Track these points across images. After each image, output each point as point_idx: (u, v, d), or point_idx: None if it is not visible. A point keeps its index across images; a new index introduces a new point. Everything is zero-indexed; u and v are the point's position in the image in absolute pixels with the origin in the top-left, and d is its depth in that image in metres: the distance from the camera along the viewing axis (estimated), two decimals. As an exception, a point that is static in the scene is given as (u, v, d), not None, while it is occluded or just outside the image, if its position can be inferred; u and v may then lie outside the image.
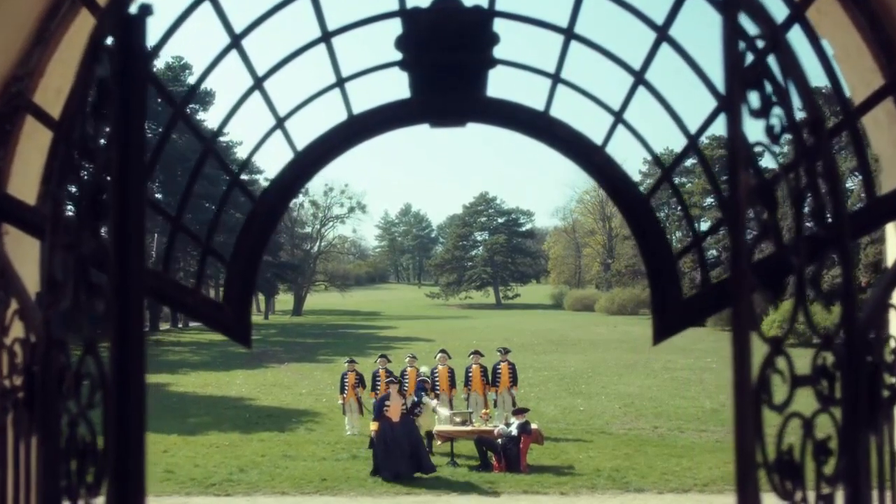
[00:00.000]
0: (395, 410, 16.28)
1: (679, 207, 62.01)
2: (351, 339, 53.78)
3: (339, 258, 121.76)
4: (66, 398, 1.82)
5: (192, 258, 71.08)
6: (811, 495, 1.69)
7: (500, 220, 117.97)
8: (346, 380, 20.69)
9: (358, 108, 2.63)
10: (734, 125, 1.55)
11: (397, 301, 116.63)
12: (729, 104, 1.56)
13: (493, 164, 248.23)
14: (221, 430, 21.08)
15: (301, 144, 2.62)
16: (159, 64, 60.42)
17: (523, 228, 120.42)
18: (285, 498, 14.29)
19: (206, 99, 65.32)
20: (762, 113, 1.65)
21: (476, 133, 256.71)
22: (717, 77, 2.72)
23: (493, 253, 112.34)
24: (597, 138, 2.61)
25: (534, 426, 16.73)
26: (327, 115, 2.73)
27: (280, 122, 2.58)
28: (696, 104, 2.83)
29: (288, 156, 2.62)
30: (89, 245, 1.80)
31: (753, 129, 1.72)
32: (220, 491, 14.77)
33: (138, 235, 1.56)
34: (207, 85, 64.22)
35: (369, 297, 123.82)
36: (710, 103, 2.60)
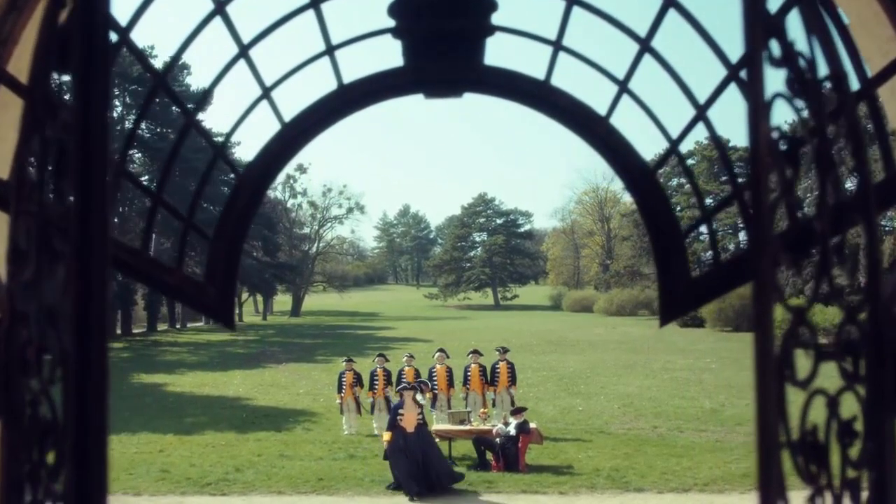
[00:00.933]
0: (409, 420, 14.90)
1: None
2: (349, 339, 53.64)
3: (338, 259, 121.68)
4: (29, 375, 1.69)
5: (190, 253, 71.13)
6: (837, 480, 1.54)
7: (498, 221, 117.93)
8: (344, 379, 20.54)
9: (349, 79, 2.49)
10: (754, 72, 1.41)
11: (396, 302, 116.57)
12: (749, 47, 1.42)
13: (492, 164, 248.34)
14: (218, 429, 20.94)
15: (289, 117, 2.48)
16: (157, 63, 60.29)
17: (522, 229, 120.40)
18: (282, 497, 14.15)
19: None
20: (783, 62, 1.52)
21: (475, 131, 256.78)
22: (727, 45, 2.59)
23: (491, 254, 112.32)
24: (600, 110, 2.47)
25: (532, 426, 16.59)
26: (317, 86, 2.59)
27: (266, 92, 2.44)
28: (705, 77, 2.69)
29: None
30: (53, 209, 1.66)
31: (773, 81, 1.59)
32: (216, 490, 14.63)
33: (100, 194, 1.43)
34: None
35: (368, 297, 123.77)
36: (719, 74, 2.46)
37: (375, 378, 20.33)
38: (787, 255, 1.47)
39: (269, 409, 24.94)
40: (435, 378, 20.01)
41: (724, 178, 64.86)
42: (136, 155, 61.60)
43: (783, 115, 1.87)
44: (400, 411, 15.14)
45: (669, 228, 2.37)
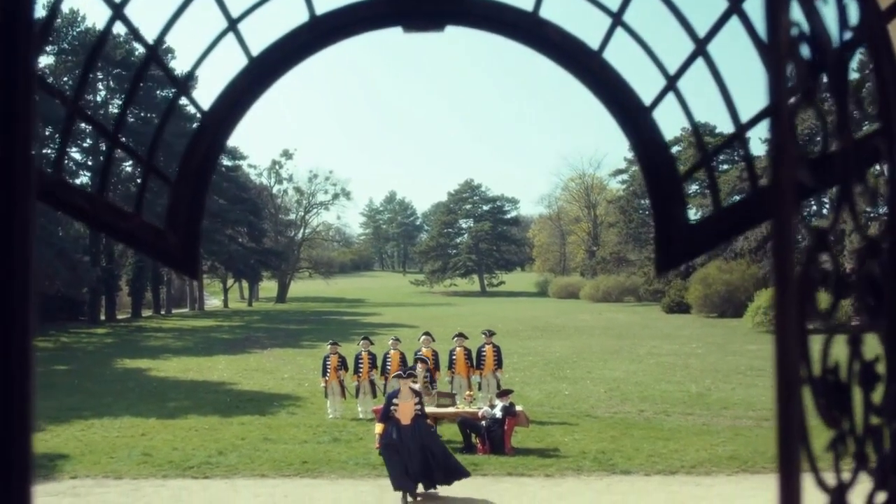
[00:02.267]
0: (405, 411, 13.19)
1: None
2: (335, 325, 53.43)
3: (324, 245, 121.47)
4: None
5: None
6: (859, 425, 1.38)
7: (485, 208, 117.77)
8: (329, 362, 20.35)
9: (322, 10, 2.31)
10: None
11: (382, 288, 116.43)
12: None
13: (479, 151, 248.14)
14: (201, 413, 20.73)
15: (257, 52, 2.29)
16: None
17: (508, 216, 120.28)
18: (265, 480, 13.98)
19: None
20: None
21: (461, 118, 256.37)
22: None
23: (477, 240, 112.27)
24: (593, 45, 2.30)
25: (519, 408, 16.47)
26: (289, 21, 2.40)
27: (233, 24, 2.25)
28: (706, 14, 2.50)
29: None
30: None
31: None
32: (199, 473, 14.45)
33: (25, 113, 1.25)
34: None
35: (354, 284, 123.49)
36: (719, 7, 2.29)
37: (360, 361, 20.16)
38: (807, 173, 1.31)
39: (254, 393, 24.76)
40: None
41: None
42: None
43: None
44: (394, 401, 13.39)
45: (667, 171, 2.21)
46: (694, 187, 70.06)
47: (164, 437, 17.57)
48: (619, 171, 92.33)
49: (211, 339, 46.33)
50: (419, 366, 18.23)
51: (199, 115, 2.28)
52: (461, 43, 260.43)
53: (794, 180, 1.21)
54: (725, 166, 63.48)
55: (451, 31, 2.44)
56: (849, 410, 1.37)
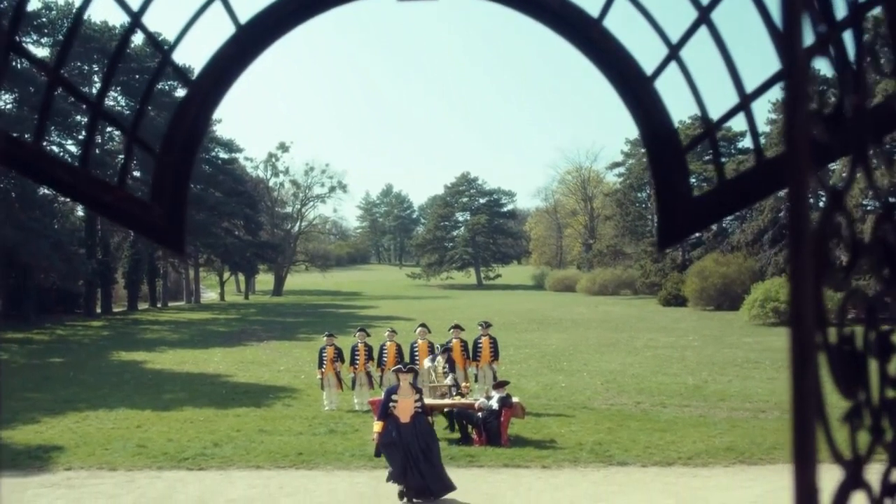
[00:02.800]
0: (404, 408, 12.47)
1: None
2: (331, 318, 53.38)
3: (320, 238, 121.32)
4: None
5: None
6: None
7: (481, 201, 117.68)
8: (325, 354, 20.29)
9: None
10: None
11: (378, 281, 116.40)
12: None
13: (475, 144, 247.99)
14: (197, 405, 20.66)
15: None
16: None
17: (505, 209, 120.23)
18: (260, 472, 13.92)
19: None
20: None
21: (457, 112, 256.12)
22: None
23: (474, 233, 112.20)
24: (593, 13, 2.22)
25: (515, 400, 16.40)
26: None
27: (220, -9, 2.17)
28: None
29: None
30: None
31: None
32: (194, 465, 14.38)
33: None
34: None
35: (350, 277, 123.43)
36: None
37: (356, 353, 20.11)
38: (822, 126, 1.23)
39: (250, 385, 24.69)
40: (416, 353, 19.77)
41: (707, 157, 64.80)
42: (117, 133, 60.71)
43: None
44: (393, 397, 12.60)
45: (669, 142, 2.13)
46: (691, 180, 70.02)
47: (160, 429, 17.50)
48: (616, 164, 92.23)
49: (207, 331, 46.26)
50: (440, 357, 18.28)
51: (185, 86, 2.20)
52: (459, 35, 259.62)
53: (808, 132, 1.14)
54: (723, 159, 63.33)
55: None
56: (865, 381, 1.30)
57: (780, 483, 12.70)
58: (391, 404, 12.52)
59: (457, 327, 20.44)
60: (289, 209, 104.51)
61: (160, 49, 2.17)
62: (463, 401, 16.70)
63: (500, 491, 12.52)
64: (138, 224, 2.15)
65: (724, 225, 67.49)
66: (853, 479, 1.27)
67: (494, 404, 15.79)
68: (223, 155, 75.83)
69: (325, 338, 21.14)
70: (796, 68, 1.12)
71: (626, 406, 19.99)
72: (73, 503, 12.22)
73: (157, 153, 2.16)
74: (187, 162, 2.17)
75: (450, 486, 12.22)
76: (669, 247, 2.12)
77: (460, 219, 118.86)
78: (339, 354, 20.31)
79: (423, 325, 20.54)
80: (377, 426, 12.69)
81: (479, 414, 15.81)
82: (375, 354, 20.14)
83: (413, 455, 12.07)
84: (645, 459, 14.30)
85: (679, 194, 2.12)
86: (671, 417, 18.33)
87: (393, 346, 19.84)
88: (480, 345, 19.90)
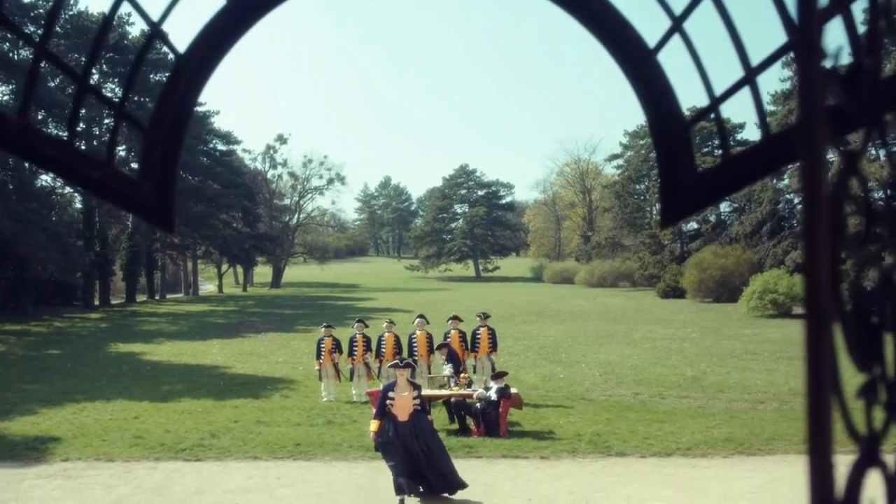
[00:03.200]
0: (402, 406, 11.69)
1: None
2: (329, 310, 53.34)
3: (318, 230, 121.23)
4: None
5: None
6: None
7: (480, 193, 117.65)
8: (323, 345, 20.23)
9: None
10: None
11: (376, 274, 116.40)
12: None
13: (474, 137, 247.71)
14: (195, 397, 20.61)
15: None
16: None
17: (503, 201, 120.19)
18: (258, 463, 13.87)
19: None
20: None
21: (455, 105, 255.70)
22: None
23: (472, 225, 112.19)
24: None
25: (513, 390, 16.36)
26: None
27: (210, -39, 2.11)
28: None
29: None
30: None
31: None
32: (191, 456, 14.33)
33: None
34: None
35: (348, 269, 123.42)
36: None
37: (354, 344, 20.05)
38: (838, 87, 1.18)
39: (248, 377, 24.64)
40: (415, 344, 19.73)
41: (705, 148, 64.69)
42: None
43: None
44: (390, 394, 11.82)
45: (673, 116, 2.07)
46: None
47: (157, 420, 17.45)
48: (615, 156, 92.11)
49: (205, 323, 46.19)
50: (437, 353, 18.31)
51: (175, 58, 2.14)
52: (457, 27, 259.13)
53: (823, 94, 1.08)
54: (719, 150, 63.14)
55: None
56: (880, 355, 1.25)
57: (778, 474, 12.68)
58: (388, 402, 11.74)
59: (455, 318, 20.39)
60: (287, 201, 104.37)
61: (148, 19, 2.10)
62: (461, 391, 16.65)
63: (499, 481, 12.48)
64: (126, 201, 2.09)
65: (722, 217, 67.45)
66: (868, 457, 1.21)
67: (493, 395, 15.75)
68: (221, 146, 75.65)
69: (322, 328, 21.08)
70: (811, 27, 1.06)
71: (624, 397, 19.96)
72: (70, 494, 12.17)
73: (145, 128, 2.10)
74: (177, 137, 2.11)
75: (458, 485, 11.57)
76: (673, 224, 2.07)
77: (459, 211, 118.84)
78: (337, 345, 20.25)
79: (421, 316, 20.48)
80: (373, 425, 11.94)
81: (478, 405, 15.78)
82: (374, 345, 20.09)
83: (413, 455, 11.37)
84: (644, 450, 14.27)
85: (683, 170, 2.06)
86: (670, 408, 18.30)
87: (391, 338, 19.79)
88: (479, 336, 19.85)
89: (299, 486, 12.41)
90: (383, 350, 19.63)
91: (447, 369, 17.71)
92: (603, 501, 11.46)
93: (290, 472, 13.25)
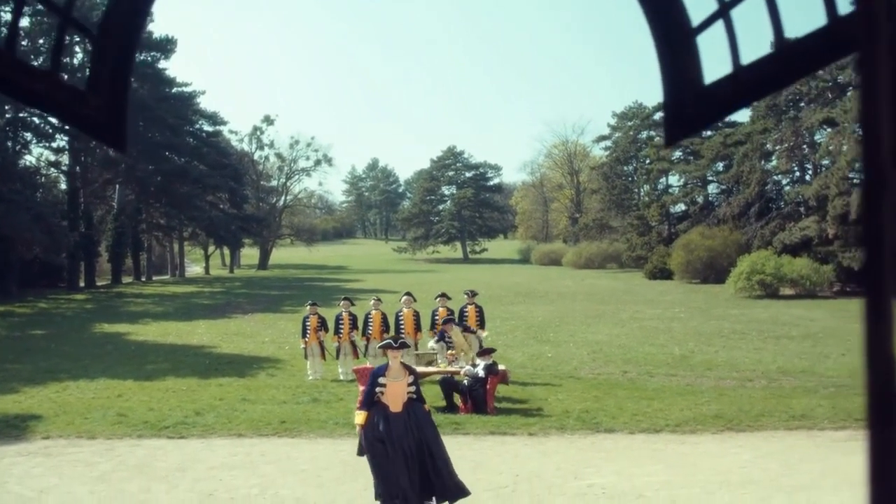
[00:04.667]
0: (395, 393, 9.54)
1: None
2: (317, 291, 53.07)
3: (306, 212, 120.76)
4: None
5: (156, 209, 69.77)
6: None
7: (467, 175, 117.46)
8: (308, 323, 20.04)
9: None
10: None
11: (364, 255, 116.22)
12: None
13: (461, 119, 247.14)
14: (179, 375, 20.40)
15: None
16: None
17: (491, 183, 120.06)
18: (242, 440, 13.68)
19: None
20: None
21: (442, 87, 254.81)
22: None
23: (460, 207, 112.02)
24: None
25: (502, 367, 16.22)
26: None
27: None
28: None
29: None
30: None
31: None
32: (174, 433, 14.14)
33: None
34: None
35: (336, 251, 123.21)
36: None
37: (341, 322, 19.87)
38: None
39: (233, 356, 24.44)
40: (402, 322, 19.56)
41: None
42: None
43: None
44: (380, 380, 9.62)
45: (677, 21, 1.88)
46: (677, 153, 69.82)
47: (141, 399, 17.24)
48: (603, 138, 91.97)
49: (191, 304, 45.92)
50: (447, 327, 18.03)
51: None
52: (445, 10, 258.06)
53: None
54: (712, 133, 63.06)
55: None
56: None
57: (767, 449, 12.60)
58: (378, 389, 9.58)
59: (443, 296, 20.24)
60: (274, 183, 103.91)
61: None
62: (448, 368, 16.49)
63: (487, 458, 12.34)
64: (72, 115, 1.88)
65: (710, 198, 67.39)
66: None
67: (480, 372, 15.60)
68: (207, 127, 75.02)
69: (308, 307, 20.89)
70: None
71: (612, 375, 19.87)
72: (51, 471, 11.96)
73: (94, 35, 1.89)
74: (129, 47, 1.90)
75: (460, 490, 9.53)
76: (678, 140, 1.88)
77: (446, 193, 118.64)
78: (322, 323, 20.07)
79: (408, 294, 20.31)
80: (359, 417, 9.66)
81: (465, 381, 15.63)
82: (360, 324, 19.91)
83: (407, 452, 9.27)
84: (632, 427, 14.16)
85: (689, 81, 1.87)
86: (658, 386, 18.21)
87: (378, 315, 19.62)
88: (466, 313, 19.70)
89: (284, 463, 12.24)
90: (370, 328, 19.46)
91: (432, 343, 17.56)
92: (592, 477, 11.33)
93: (274, 448, 13.08)
